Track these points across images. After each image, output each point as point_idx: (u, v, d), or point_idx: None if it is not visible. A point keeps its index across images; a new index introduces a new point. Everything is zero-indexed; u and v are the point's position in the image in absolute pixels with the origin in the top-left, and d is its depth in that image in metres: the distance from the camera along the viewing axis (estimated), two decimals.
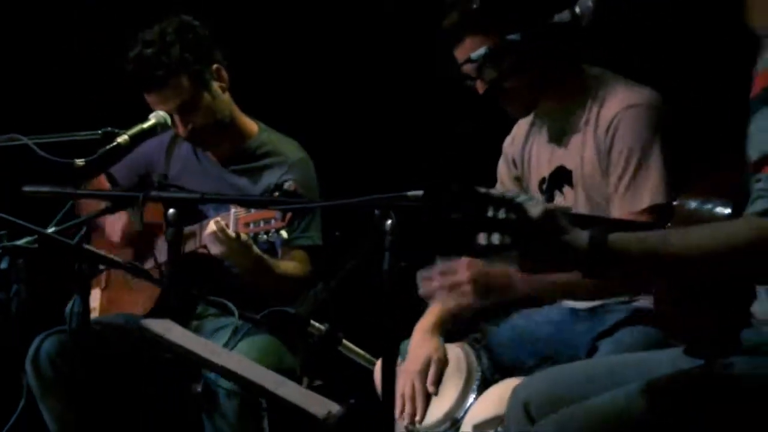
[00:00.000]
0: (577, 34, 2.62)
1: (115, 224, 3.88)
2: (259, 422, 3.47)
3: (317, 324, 2.86)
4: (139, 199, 2.76)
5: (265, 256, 3.52)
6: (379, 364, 3.14)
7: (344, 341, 2.91)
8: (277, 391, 2.19)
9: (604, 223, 2.58)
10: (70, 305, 2.71)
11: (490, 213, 1.91)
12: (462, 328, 3.18)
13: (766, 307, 2.17)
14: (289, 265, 3.61)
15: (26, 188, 3.11)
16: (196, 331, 3.54)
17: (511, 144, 3.20)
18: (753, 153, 2.03)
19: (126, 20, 3.95)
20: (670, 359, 2.37)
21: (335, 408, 2.23)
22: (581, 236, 1.99)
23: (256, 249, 3.45)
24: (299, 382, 3.60)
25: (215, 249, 3.40)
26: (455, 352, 3.08)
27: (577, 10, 2.37)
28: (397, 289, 2.47)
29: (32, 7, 5.06)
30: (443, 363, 3.05)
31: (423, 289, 2.82)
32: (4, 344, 3.73)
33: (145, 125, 3.42)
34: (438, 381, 3.04)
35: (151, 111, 3.56)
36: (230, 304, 2.80)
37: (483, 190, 1.94)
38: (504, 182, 3.22)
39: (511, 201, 1.93)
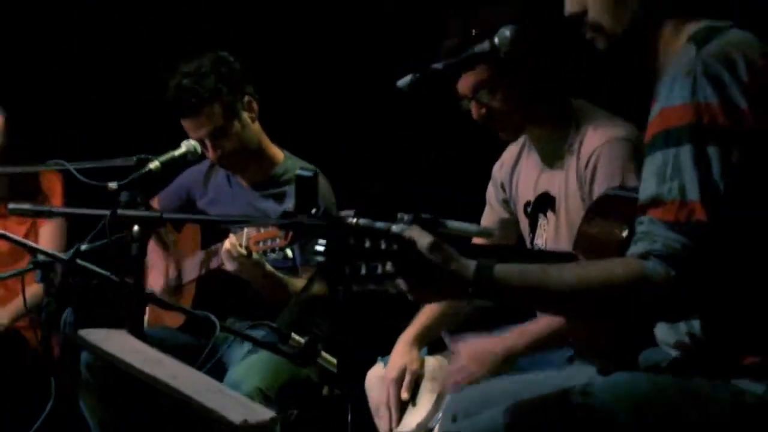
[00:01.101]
0: (497, 62, 2.64)
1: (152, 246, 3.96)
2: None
3: (297, 337, 2.87)
4: (107, 218, 2.78)
5: (278, 274, 3.58)
6: (370, 373, 3.16)
7: (322, 353, 2.88)
8: (196, 396, 2.15)
9: (523, 253, 2.55)
10: (63, 316, 2.76)
11: (367, 244, 1.91)
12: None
13: (666, 334, 2.14)
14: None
15: (11, 206, 3.18)
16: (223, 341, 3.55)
17: (500, 168, 3.21)
18: (640, 196, 2.03)
19: (165, 56, 3.98)
20: (585, 377, 2.32)
21: (261, 416, 2.18)
22: (469, 265, 1.98)
23: (268, 267, 3.52)
24: (319, 391, 3.64)
25: (229, 265, 3.45)
26: (432, 363, 3.09)
27: (496, 40, 2.38)
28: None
29: (74, 38, 5.12)
30: (417, 373, 3.05)
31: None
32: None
33: (176, 153, 3.48)
34: (412, 389, 3.03)
35: (186, 137, 3.62)
36: (212, 317, 2.80)
37: (358, 221, 1.95)
38: (492, 205, 3.23)
39: (388, 232, 1.95)
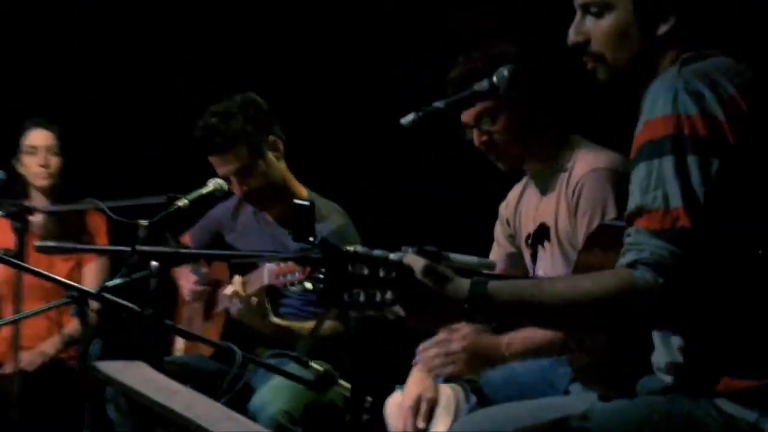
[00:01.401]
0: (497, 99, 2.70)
1: (184, 281, 4.01)
2: None
3: (316, 365, 2.91)
4: (130, 253, 2.82)
5: (283, 324, 3.66)
6: (389, 401, 3.20)
7: (340, 381, 2.92)
8: (207, 425, 2.10)
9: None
10: (90, 347, 2.81)
11: (365, 271, 1.95)
12: None
13: (661, 356, 2.15)
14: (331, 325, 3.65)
15: (37, 244, 3.21)
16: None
17: (506, 207, 3.26)
18: (627, 208, 2.05)
19: (203, 97, 3.98)
20: (587, 403, 2.34)
21: None
22: (463, 284, 2.00)
23: (272, 318, 3.61)
24: (343, 416, 3.67)
25: (232, 308, 3.51)
26: (447, 391, 3.10)
27: (494, 79, 2.41)
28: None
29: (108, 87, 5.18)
30: (433, 401, 3.06)
31: (420, 357, 2.96)
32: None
33: (204, 190, 3.53)
34: (428, 417, 3.05)
35: (214, 174, 3.68)
36: (234, 347, 2.84)
37: (356, 249, 1.97)
38: (499, 241, 3.26)
39: (386, 260, 1.97)
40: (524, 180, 3.18)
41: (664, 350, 2.13)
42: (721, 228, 1.98)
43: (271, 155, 3.81)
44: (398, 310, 2.00)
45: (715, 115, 1.99)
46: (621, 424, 2.06)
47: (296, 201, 2.44)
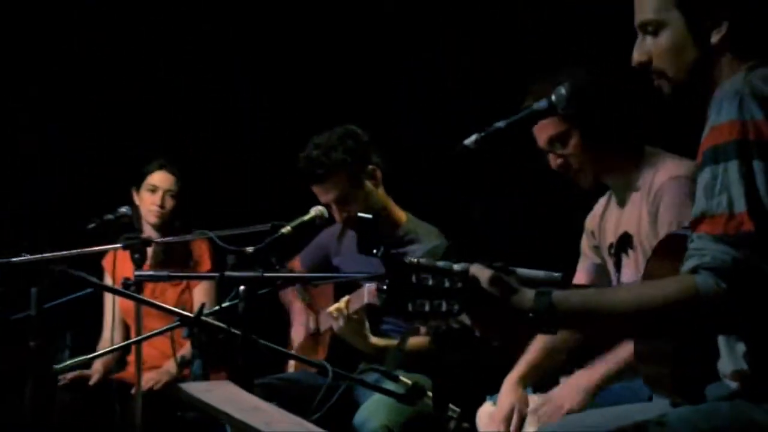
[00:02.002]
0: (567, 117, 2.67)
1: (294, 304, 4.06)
2: None
3: (405, 379, 2.90)
4: (219, 278, 2.85)
5: (381, 342, 3.65)
6: (480, 411, 3.16)
7: (428, 393, 2.89)
8: None
9: None
10: (192, 367, 2.84)
11: (430, 282, 1.92)
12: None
13: (726, 364, 2.08)
14: (419, 340, 3.63)
15: (136, 273, 3.26)
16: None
17: (591, 219, 3.20)
18: (692, 213, 2.00)
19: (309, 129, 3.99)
20: (660, 409, 2.27)
21: None
22: (528, 295, 1.97)
23: (370, 336, 3.59)
24: (442, 428, 3.64)
25: (335, 326, 3.57)
26: (537, 402, 3.06)
27: (553, 98, 2.37)
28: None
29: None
30: (524, 412, 3.02)
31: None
32: None
33: (306, 218, 3.55)
34: (520, 426, 3.01)
35: (317, 202, 3.70)
36: (326, 364, 2.87)
37: (419, 260, 1.95)
38: (585, 253, 3.21)
39: (451, 270, 1.94)
40: (608, 193, 3.12)
41: (729, 357, 2.06)
42: None
43: (369, 183, 3.81)
44: (464, 319, 1.97)
45: None
46: (690, 426, 2.00)
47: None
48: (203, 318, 2.77)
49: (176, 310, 2.94)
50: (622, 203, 3.01)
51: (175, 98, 5.32)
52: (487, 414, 3.11)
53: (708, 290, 1.86)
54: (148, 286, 4.37)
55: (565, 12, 2.27)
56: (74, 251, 3.53)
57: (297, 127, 4.54)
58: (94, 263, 4.51)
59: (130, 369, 4.43)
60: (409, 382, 2.87)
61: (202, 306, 2.81)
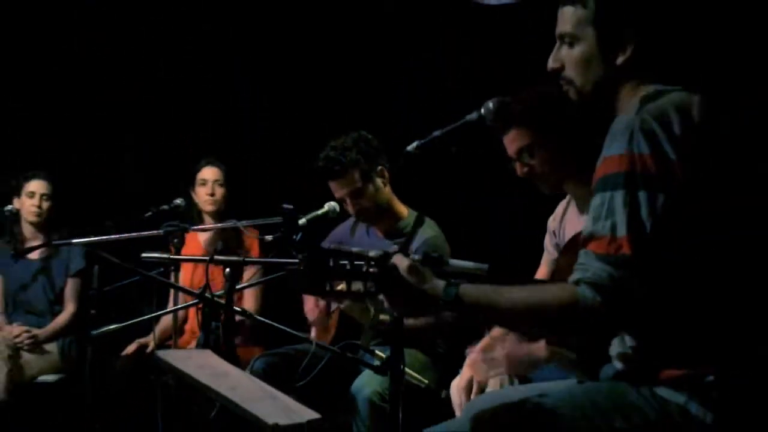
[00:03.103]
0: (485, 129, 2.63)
1: None
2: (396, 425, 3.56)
3: (379, 352, 2.99)
4: (208, 262, 2.98)
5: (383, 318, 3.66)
6: (453, 382, 3.24)
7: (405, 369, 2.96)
8: (242, 403, 2.22)
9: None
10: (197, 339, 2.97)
11: (347, 266, 2.02)
12: None
13: (615, 347, 2.16)
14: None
15: (144, 255, 3.29)
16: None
17: (553, 220, 3.26)
18: (582, 232, 2.05)
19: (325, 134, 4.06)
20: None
21: (295, 420, 2.24)
22: (440, 284, 2.05)
23: (371, 312, 3.58)
24: (438, 394, 3.71)
25: (342, 304, 3.67)
26: (495, 379, 3.10)
27: (482, 111, 2.40)
28: None
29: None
30: (483, 382, 3.08)
31: (468, 360, 3.00)
32: None
33: (320, 211, 3.73)
34: (479, 392, 3.06)
35: (331, 198, 3.84)
36: (311, 338, 2.97)
37: (334, 246, 2.04)
38: (548, 250, 3.26)
39: (366, 256, 2.05)
40: (567, 197, 3.17)
41: (618, 343, 2.14)
42: (662, 252, 1.95)
43: (378, 181, 3.92)
44: (381, 299, 2.05)
45: (667, 154, 1.97)
46: (570, 403, 2.07)
47: (283, 206, 2.52)
48: (206, 296, 2.90)
49: (185, 287, 3.06)
50: (581, 208, 3.05)
51: (218, 105, 5.42)
52: (455, 385, 3.16)
53: (586, 301, 1.93)
54: (199, 268, 4.56)
55: None
56: (121, 236, 3.66)
57: (311, 129, 4.63)
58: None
59: (186, 337, 4.63)
60: (383, 355, 2.97)
61: (206, 285, 2.93)
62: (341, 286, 2.06)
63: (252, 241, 4.64)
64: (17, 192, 4.93)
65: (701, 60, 3.60)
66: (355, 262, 2.03)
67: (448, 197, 4.44)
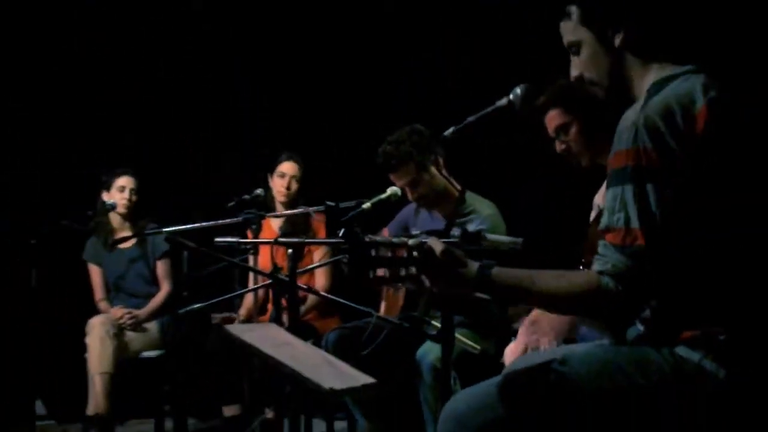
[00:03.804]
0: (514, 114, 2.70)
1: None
2: (448, 387, 3.62)
3: (435, 323, 3.06)
4: (272, 244, 3.08)
5: None
6: (507, 349, 3.29)
7: (457, 335, 3.05)
8: (301, 369, 2.23)
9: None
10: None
11: (389, 254, 2.07)
12: None
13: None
14: None
15: (216, 239, 3.39)
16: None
17: (599, 196, 3.25)
18: (602, 222, 2.09)
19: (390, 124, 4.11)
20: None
21: (350, 384, 2.26)
22: (473, 266, 2.10)
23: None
24: (497, 359, 3.76)
25: None
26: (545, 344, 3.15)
27: (511, 96, 2.44)
28: None
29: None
30: (536, 348, 3.12)
31: (521, 327, 3.05)
32: None
33: (383, 196, 3.82)
34: None
35: (391, 185, 3.94)
36: (372, 310, 3.06)
37: (376, 238, 2.11)
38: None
39: (405, 243, 2.09)
40: None
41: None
42: (676, 236, 1.99)
43: (433, 169, 3.98)
44: (423, 280, 2.10)
45: (671, 147, 2.00)
46: (591, 365, 2.11)
47: (327, 203, 2.57)
48: (276, 275, 3.02)
49: (258, 269, 3.16)
50: None
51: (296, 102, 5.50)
52: (510, 351, 3.23)
53: (609, 290, 2.00)
54: (279, 251, 4.69)
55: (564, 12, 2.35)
56: (205, 223, 3.75)
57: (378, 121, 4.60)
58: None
59: (268, 314, 4.74)
60: (439, 325, 3.05)
61: (275, 266, 3.04)
62: (382, 272, 2.12)
63: (318, 225, 4.77)
64: (107, 187, 5.13)
65: (704, 36, 3.56)
66: (396, 250, 2.08)
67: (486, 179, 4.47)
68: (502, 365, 3.31)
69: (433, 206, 4.08)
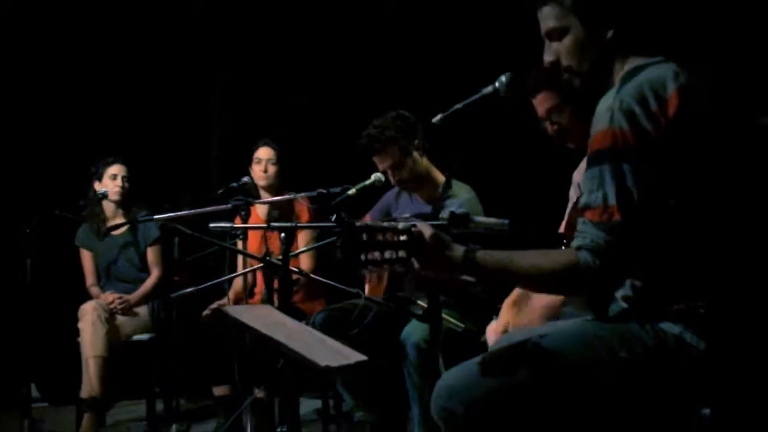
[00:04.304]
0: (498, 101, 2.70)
1: None
2: (436, 366, 3.63)
3: (421, 302, 3.05)
4: (265, 229, 3.03)
5: None
6: (488, 327, 3.29)
7: (443, 315, 3.04)
8: (297, 348, 2.26)
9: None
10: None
11: (380, 237, 2.05)
12: None
13: (619, 290, 2.17)
14: None
15: (211, 225, 3.33)
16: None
17: (578, 172, 3.24)
18: (580, 202, 2.09)
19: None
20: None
21: (344, 362, 2.28)
22: (459, 250, 2.09)
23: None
24: (479, 337, 3.76)
25: None
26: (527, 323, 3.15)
27: (497, 84, 2.42)
28: None
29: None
30: (516, 326, 3.14)
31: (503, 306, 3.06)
32: None
33: (367, 182, 3.83)
34: None
35: (376, 170, 3.91)
36: (361, 291, 3.07)
37: (367, 222, 2.10)
38: (572, 200, 3.23)
39: (395, 228, 2.08)
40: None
41: (622, 286, 2.16)
42: (653, 212, 1.99)
43: (416, 154, 3.97)
44: (413, 263, 2.08)
45: (645, 128, 2.01)
46: (573, 340, 2.11)
47: (319, 191, 2.51)
48: (267, 259, 3.01)
49: (250, 253, 3.16)
50: None
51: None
52: (492, 329, 3.24)
53: (586, 265, 1.99)
54: (262, 235, 4.68)
55: None
56: (195, 210, 3.80)
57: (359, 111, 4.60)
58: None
59: (257, 297, 4.73)
60: (425, 305, 3.03)
61: (267, 251, 3.03)
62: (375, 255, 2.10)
63: (302, 209, 4.73)
64: (99, 177, 5.07)
65: (681, 29, 3.58)
66: (386, 234, 2.06)
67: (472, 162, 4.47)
68: (484, 344, 3.35)
69: (414, 190, 4.06)
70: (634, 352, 2.04)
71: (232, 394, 4.57)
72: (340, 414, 4.15)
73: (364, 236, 2.06)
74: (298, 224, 3.06)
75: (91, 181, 5.08)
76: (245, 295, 4.63)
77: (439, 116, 2.45)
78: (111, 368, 4.75)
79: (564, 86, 2.27)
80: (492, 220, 2.50)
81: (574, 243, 2.02)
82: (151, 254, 5.08)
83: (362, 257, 2.06)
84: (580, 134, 3.02)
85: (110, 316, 4.85)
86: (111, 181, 5.05)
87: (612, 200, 1.99)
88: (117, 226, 4.83)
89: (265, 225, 3.08)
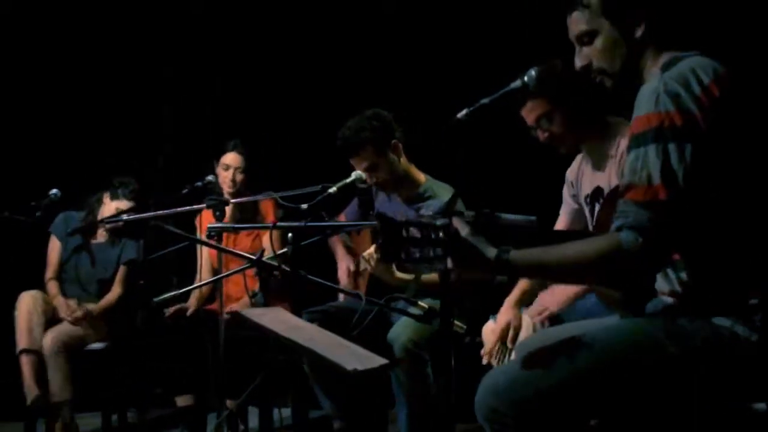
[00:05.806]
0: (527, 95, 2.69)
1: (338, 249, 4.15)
2: (423, 368, 3.57)
3: (422, 303, 2.97)
4: (271, 229, 2.94)
5: (406, 276, 3.71)
6: (485, 327, 3.24)
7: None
8: (322, 351, 2.21)
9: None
10: (253, 297, 2.93)
11: (418, 235, 1.99)
12: None
13: (662, 284, 2.16)
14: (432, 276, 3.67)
15: (209, 225, 3.26)
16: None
17: (571, 172, 3.25)
18: (620, 185, 2.05)
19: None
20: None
21: (371, 365, 2.24)
22: (492, 250, 2.04)
23: (396, 273, 3.68)
24: (463, 339, 3.70)
25: (368, 267, 3.69)
26: (527, 321, 3.11)
27: (525, 78, 2.38)
28: None
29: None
30: (518, 327, 3.10)
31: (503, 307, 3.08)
32: None
33: (347, 180, 3.70)
34: (514, 339, 3.08)
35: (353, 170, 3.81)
36: (360, 293, 2.95)
37: (407, 218, 2.02)
38: (566, 200, 3.26)
39: (435, 225, 2.00)
40: (582, 153, 3.17)
41: (663, 280, 2.14)
42: (698, 193, 1.96)
43: (392, 154, 3.88)
44: (448, 262, 2.01)
45: (690, 110, 1.98)
46: (618, 336, 2.08)
47: (359, 186, 2.40)
48: (263, 260, 2.86)
49: (244, 254, 3.02)
50: (595, 165, 3.05)
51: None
52: (490, 329, 3.19)
53: (629, 244, 1.93)
54: (229, 237, 4.54)
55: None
56: (171, 210, 3.62)
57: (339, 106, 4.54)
58: (190, 220, 4.70)
59: (217, 302, 4.56)
60: (426, 306, 2.96)
61: (262, 251, 2.89)
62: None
63: (267, 209, 4.58)
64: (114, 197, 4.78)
65: (711, 26, 3.62)
66: (425, 231, 1.99)
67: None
68: (479, 344, 3.30)
69: (392, 190, 3.97)
70: (685, 347, 2.00)
71: (195, 405, 4.41)
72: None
73: (404, 233, 1.98)
74: (308, 223, 2.90)
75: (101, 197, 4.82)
76: (203, 302, 4.49)
77: (465, 111, 2.36)
78: (44, 365, 4.44)
79: (597, 87, 2.27)
80: (519, 217, 2.42)
81: (615, 224, 1.97)
82: (121, 272, 4.79)
83: (402, 255, 1.99)
84: (572, 140, 3.05)
85: (49, 308, 4.59)
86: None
87: (656, 179, 1.95)
88: (80, 229, 4.57)
89: (269, 225, 2.94)
